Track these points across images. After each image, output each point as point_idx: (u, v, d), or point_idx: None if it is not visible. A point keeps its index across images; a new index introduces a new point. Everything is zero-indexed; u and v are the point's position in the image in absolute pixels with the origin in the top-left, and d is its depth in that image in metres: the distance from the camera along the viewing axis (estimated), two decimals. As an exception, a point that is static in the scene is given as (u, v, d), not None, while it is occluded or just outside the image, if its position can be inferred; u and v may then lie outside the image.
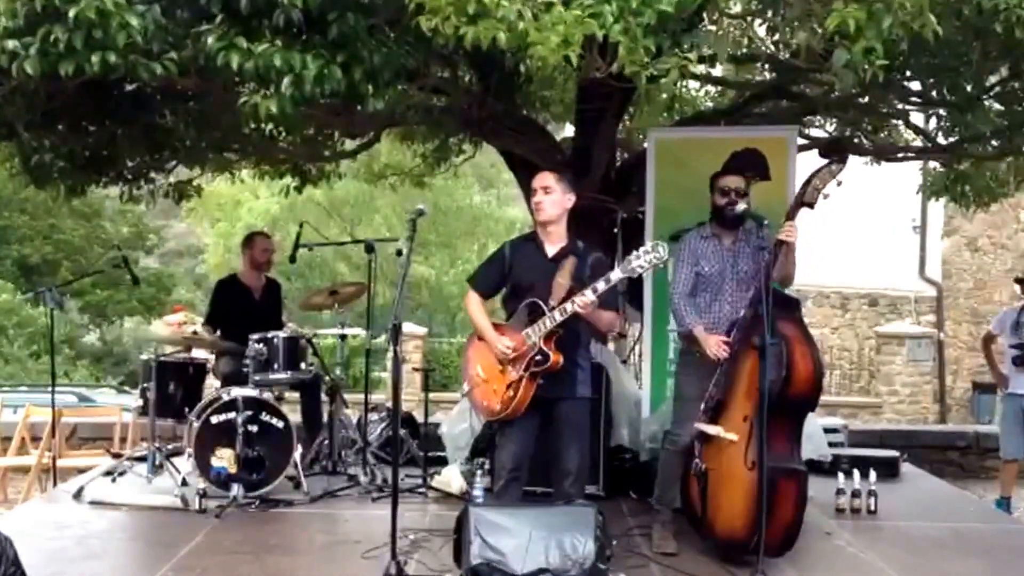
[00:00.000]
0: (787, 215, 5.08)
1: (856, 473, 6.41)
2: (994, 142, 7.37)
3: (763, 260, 4.95)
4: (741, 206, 5.19)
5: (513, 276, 5.02)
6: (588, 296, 4.66)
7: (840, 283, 18.31)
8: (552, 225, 5.01)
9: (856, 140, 8.58)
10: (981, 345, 8.70)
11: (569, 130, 8.93)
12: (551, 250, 5.00)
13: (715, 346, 5.07)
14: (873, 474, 6.43)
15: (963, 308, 18.09)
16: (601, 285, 4.66)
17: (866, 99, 7.51)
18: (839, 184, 5.06)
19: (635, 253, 4.65)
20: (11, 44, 5.02)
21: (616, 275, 4.67)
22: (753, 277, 5.14)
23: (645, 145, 7.45)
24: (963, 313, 18.09)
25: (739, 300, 5.22)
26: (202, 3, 5.24)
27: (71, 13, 4.82)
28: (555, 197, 4.99)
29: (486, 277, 5.14)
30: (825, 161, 5.15)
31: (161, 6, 5.21)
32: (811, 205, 5.05)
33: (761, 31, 7.11)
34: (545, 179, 5.02)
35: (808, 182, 5.07)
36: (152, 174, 7.87)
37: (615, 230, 7.46)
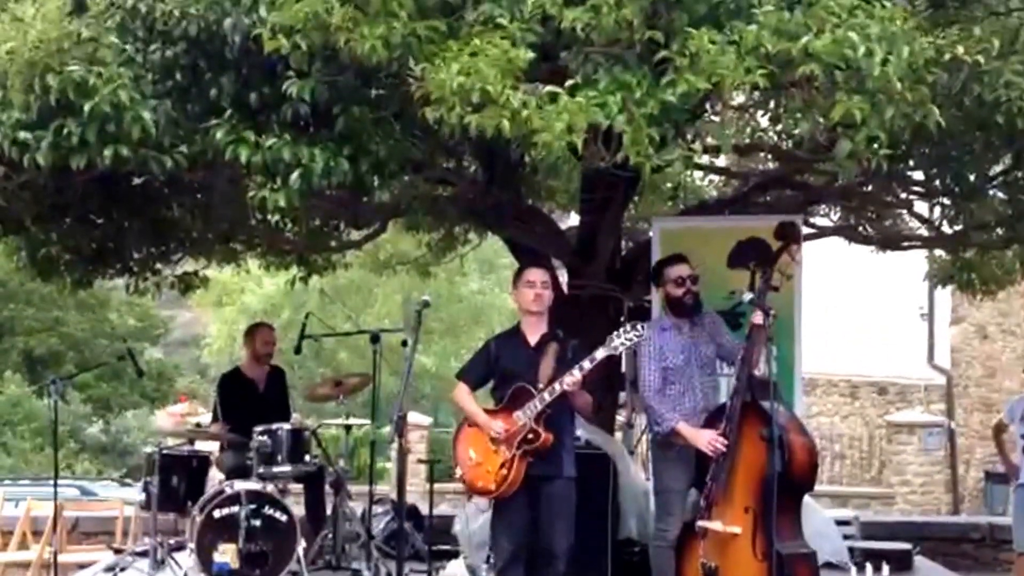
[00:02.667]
0: (757, 303, 5.10)
1: (869, 567, 6.29)
2: (999, 230, 7.38)
3: (754, 351, 4.99)
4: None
5: (500, 367, 5.31)
6: (576, 375, 4.95)
7: (849, 371, 18.20)
8: (541, 315, 5.31)
9: (861, 228, 8.60)
10: (992, 434, 8.59)
11: (574, 219, 8.98)
12: (533, 339, 5.29)
13: (709, 443, 5.07)
14: (886, 568, 6.33)
15: (973, 396, 17.94)
16: (587, 364, 4.95)
17: (869, 188, 7.55)
18: (799, 263, 5.32)
19: (616, 332, 4.95)
20: (23, 136, 5.08)
21: (600, 353, 4.97)
22: (722, 361, 5.38)
23: (650, 234, 7.48)
24: (974, 401, 17.93)
25: (708, 387, 5.42)
26: (212, 97, 5.32)
27: (86, 107, 4.90)
28: (550, 291, 5.34)
29: (473, 370, 5.44)
30: (780, 243, 5.24)
31: (173, 100, 5.30)
32: (776, 289, 5.20)
33: (764, 121, 7.21)
34: (544, 274, 5.37)
35: (770, 267, 5.17)
36: (158, 265, 7.90)
37: (621, 319, 7.45)
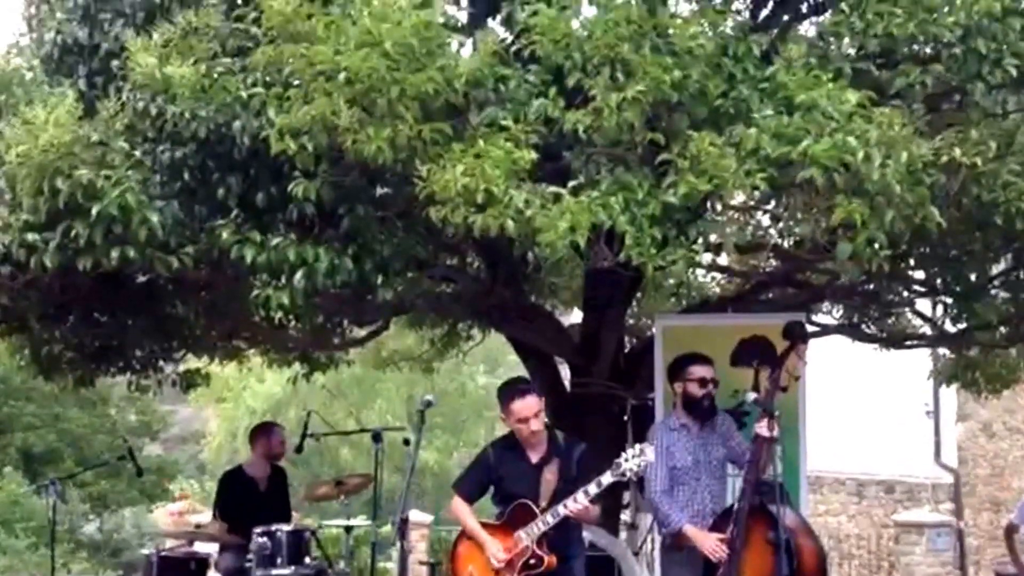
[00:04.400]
0: (763, 408, 5.06)
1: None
2: (1003, 329, 7.38)
3: (760, 454, 4.94)
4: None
5: (500, 485, 5.15)
6: (581, 501, 4.79)
7: (855, 469, 18.00)
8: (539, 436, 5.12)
9: (864, 326, 8.60)
10: (1004, 536, 8.46)
11: (577, 315, 8.99)
12: (534, 456, 5.10)
13: (713, 548, 4.99)
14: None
15: (981, 495, 17.70)
16: (592, 488, 4.79)
17: (872, 287, 7.58)
18: (806, 364, 5.24)
19: (624, 456, 4.80)
20: (31, 238, 5.13)
21: (607, 479, 4.81)
22: (732, 463, 5.26)
23: (653, 331, 7.48)
24: (982, 500, 17.68)
25: (717, 489, 5.32)
26: (219, 197, 5.39)
27: (94, 210, 4.96)
28: (543, 415, 5.12)
29: (472, 483, 5.27)
30: (787, 344, 5.22)
31: (180, 200, 5.36)
32: (784, 389, 5.17)
33: (765, 220, 7.27)
34: (535, 405, 5.07)
35: (778, 367, 5.14)
36: (161, 363, 7.88)
37: (624, 417, 7.40)
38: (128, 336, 7.03)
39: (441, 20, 4.93)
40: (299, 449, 7.42)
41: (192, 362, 8.45)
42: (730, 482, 5.61)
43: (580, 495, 4.79)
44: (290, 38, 4.92)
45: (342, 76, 4.67)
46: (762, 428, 4.98)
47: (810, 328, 7.71)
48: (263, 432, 7.57)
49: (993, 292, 6.99)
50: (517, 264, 7.44)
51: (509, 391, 5.15)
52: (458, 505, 5.21)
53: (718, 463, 5.31)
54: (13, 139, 5.15)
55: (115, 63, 5.56)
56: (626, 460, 4.77)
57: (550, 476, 4.97)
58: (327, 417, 13.35)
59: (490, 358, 25.69)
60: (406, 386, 21.19)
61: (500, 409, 5.16)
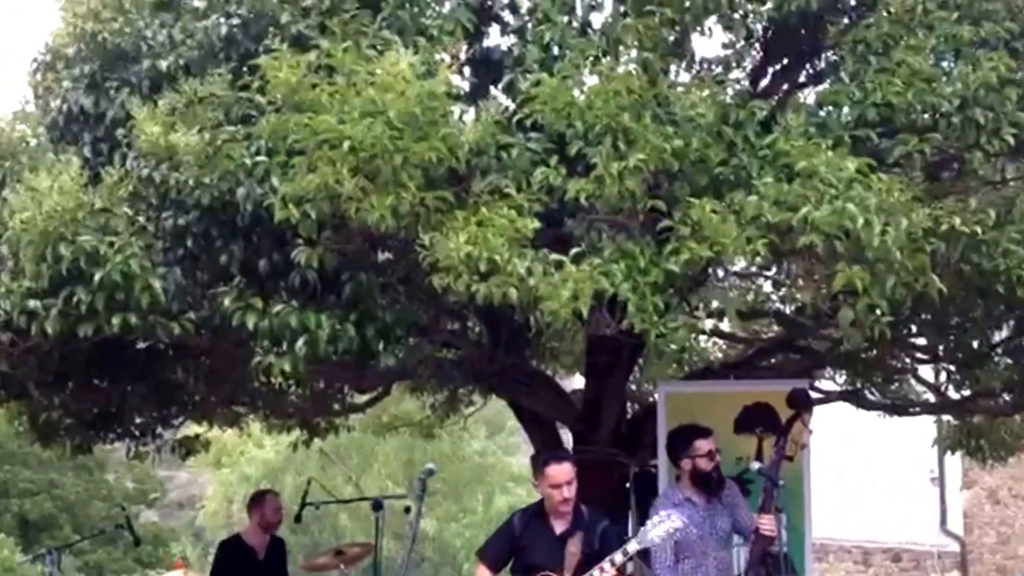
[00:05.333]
0: (767, 478, 5.00)
1: None
2: (1006, 396, 7.34)
3: (761, 550, 4.91)
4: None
5: (523, 554, 5.13)
6: (608, 571, 4.80)
7: (861, 537, 17.78)
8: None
9: (867, 393, 8.56)
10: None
11: (579, 380, 8.95)
12: (559, 526, 5.09)
13: None
14: None
15: (988, 564, 17.46)
16: (619, 557, 4.80)
17: (874, 353, 7.55)
18: (811, 432, 5.20)
19: (650, 523, 4.81)
20: (32, 305, 5.13)
21: (633, 547, 4.82)
22: (737, 534, 5.24)
23: (655, 396, 7.44)
24: (988, 569, 17.44)
25: (722, 561, 5.25)
26: (222, 264, 5.39)
27: (96, 276, 4.96)
28: (575, 483, 5.08)
29: (496, 550, 5.25)
30: (792, 412, 5.17)
31: (183, 267, 5.37)
32: (791, 458, 5.14)
33: (767, 286, 7.27)
34: (569, 472, 5.07)
35: (783, 436, 5.11)
36: (159, 429, 7.83)
37: (627, 484, 7.33)
38: (127, 402, 6.99)
39: (444, 89, 4.97)
40: (298, 518, 7.34)
41: (191, 428, 8.39)
42: (735, 552, 5.54)
43: (606, 563, 4.80)
44: (295, 107, 4.96)
45: (346, 145, 4.70)
46: (764, 526, 4.95)
47: (813, 395, 7.67)
48: (259, 501, 7.49)
49: (996, 359, 6.97)
50: (519, 329, 7.41)
51: (546, 456, 5.30)
52: (482, 573, 5.20)
53: (724, 535, 5.26)
54: (18, 206, 5.17)
55: (120, 131, 5.60)
56: (653, 527, 4.79)
57: (574, 548, 4.96)
58: (325, 482, 13.22)
59: (491, 423, 25.53)
60: (405, 450, 21.02)
61: (533, 474, 5.22)
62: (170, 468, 29.08)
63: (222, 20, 5.50)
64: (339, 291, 5.30)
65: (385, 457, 22.78)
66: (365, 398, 8.74)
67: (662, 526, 4.75)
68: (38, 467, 25.63)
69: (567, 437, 8.16)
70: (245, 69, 5.30)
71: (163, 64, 5.59)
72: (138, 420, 7.50)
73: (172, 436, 8.13)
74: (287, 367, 5.17)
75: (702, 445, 5.26)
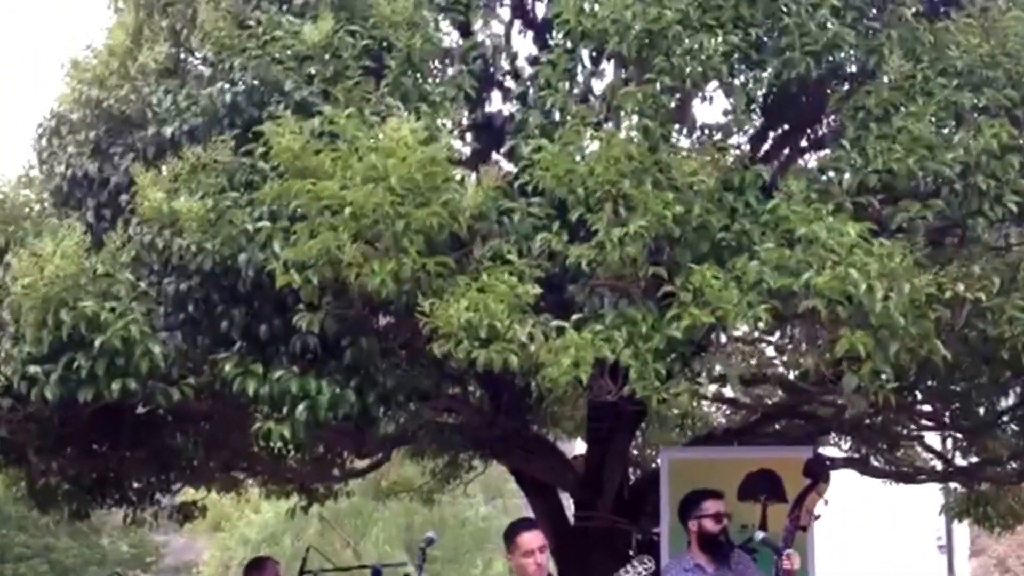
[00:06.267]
0: (773, 548, 4.94)
1: None
2: (1013, 464, 7.26)
3: None
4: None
5: None
6: None
7: (869, 606, 17.52)
8: None
9: (873, 459, 8.48)
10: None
11: (580, 445, 8.87)
12: None
13: None
14: None
15: (997, 633, 17.18)
16: None
17: (879, 420, 7.49)
18: (827, 503, 5.09)
19: (626, 568, 4.77)
20: (32, 370, 5.11)
21: None
22: None
23: (658, 462, 7.37)
24: (997, 639, 17.16)
25: None
26: (223, 329, 5.38)
27: (97, 341, 4.94)
28: (547, 552, 4.93)
29: None
30: (808, 482, 5.11)
31: (183, 332, 5.36)
32: (804, 528, 5.04)
33: (769, 352, 7.24)
34: (540, 537, 4.89)
35: (798, 505, 5.03)
36: (158, 495, 7.75)
37: (630, 552, 7.23)
38: (126, 468, 6.94)
39: (446, 154, 5.00)
40: (297, 586, 7.19)
41: (189, 493, 8.31)
42: None
43: None
44: (297, 173, 4.98)
45: (347, 211, 4.72)
46: (794, 563, 4.86)
47: (817, 461, 7.60)
48: (256, 569, 7.38)
49: (1002, 427, 6.91)
50: (520, 395, 7.37)
51: (516, 525, 5.09)
52: None
53: None
54: (20, 271, 5.17)
55: (123, 197, 5.64)
56: (626, 572, 4.76)
57: None
58: (323, 547, 13.05)
59: (490, 488, 25.29)
60: (404, 516, 20.80)
61: (506, 547, 5.00)
62: (166, 532, 28.73)
63: (226, 87, 5.55)
64: (340, 356, 5.28)
65: (384, 522, 22.53)
66: (365, 463, 8.66)
67: (638, 569, 4.72)
68: (33, 531, 25.35)
69: (568, 503, 8.08)
70: (249, 135, 5.33)
71: (167, 130, 5.62)
72: (136, 485, 7.44)
73: (170, 501, 8.05)
74: (287, 433, 5.13)
75: (710, 506, 5.21)
